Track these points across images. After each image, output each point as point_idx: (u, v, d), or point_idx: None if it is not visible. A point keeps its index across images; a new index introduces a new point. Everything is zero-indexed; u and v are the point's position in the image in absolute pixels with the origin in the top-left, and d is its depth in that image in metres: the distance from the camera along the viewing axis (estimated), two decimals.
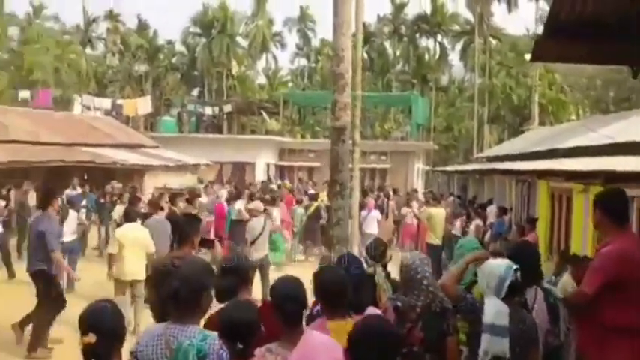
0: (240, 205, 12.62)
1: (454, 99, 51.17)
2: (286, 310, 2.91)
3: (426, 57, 53.57)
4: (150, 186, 19.18)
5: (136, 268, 7.93)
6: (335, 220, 4.89)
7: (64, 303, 7.53)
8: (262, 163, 30.59)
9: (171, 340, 2.85)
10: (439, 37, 53.39)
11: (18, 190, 13.91)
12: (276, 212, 12.88)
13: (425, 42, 54.35)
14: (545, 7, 34.53)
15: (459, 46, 51.79)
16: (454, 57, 53.37)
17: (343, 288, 3.29)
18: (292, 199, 16.40)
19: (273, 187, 19.11)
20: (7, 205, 12.19)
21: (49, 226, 7.49)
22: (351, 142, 5.33)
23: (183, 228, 4.67)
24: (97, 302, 2.67)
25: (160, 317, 3.38)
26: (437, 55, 53.39)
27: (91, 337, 2.44)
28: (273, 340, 3.05)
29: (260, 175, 28.86)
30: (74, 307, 8.31)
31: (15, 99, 36.75)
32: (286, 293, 3.00)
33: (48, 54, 54.05)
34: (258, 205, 10.35)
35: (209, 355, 2.78)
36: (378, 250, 4.65)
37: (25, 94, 33.55)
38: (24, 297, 9.91)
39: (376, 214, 14.75)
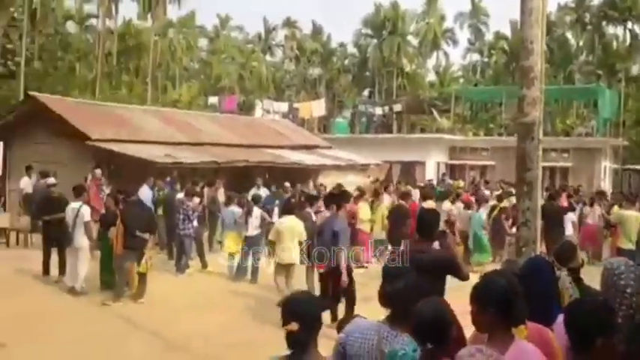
0: (447, 205, 12.75)
1: None
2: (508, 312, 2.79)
3: (614, 45, 49.07)
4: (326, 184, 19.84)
5: (291, 254, 9.08)
6: (522, 221, 4.66)
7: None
8: (432, 162, 30.19)
9: (384, 344, 2.92)
10: (629, 24, 48.58)
11: (209, 187, 15.20)
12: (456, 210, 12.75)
13: (612, 30, 49.84)
14: None
15: None
16: None
17: (510, 297, 3.05)
18: (469, 197, 15.89)
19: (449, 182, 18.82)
20: (200, 202, 13.38)
21: (342, 225, 8.34)
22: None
23: (429, 222, 4.70)
24: (295, 292, 2.83)
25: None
26: (626, 43, 48.66)
27: (293, 326, 2.57)
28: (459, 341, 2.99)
29: (430, 174, 28.50)
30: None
31: (205, 105, 40.39)
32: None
33: (233, 62, 58.48)
34: (433, 203, 10.26)
35: None
36: (565, 254, 4.33)
37: (213, 100, 36.73)
38: (216, 285, 10.89)
39: (571, 215, 13.67)
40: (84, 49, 50.78)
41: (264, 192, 15.43)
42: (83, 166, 15.69)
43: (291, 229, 9.29)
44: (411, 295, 2.92)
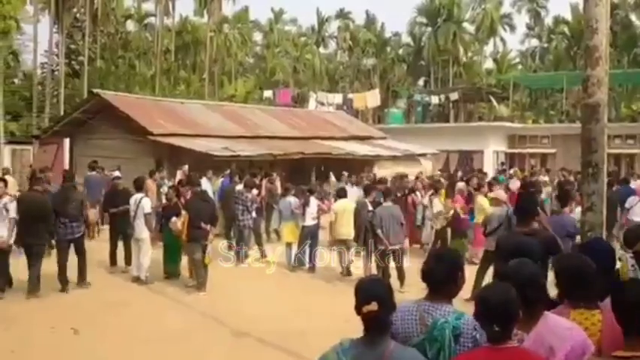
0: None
1: None
2: (527, 295, 2.79)
3: None
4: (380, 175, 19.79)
5: (346, 230, 10.72)
6: (588, 204, 4.54)
7: None
8: (490, 151, 29.57)
9: (426, 317, 2.96)
10: None
11: (267, 179, 15.41)
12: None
13: None
14: None
15: None
16: None
17: (585, 275, 3.06)
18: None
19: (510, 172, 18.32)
20: (259, 194, 13.59)
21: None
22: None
23: (527, 205, 4.72)
24: (369, 276, 2.87)
25: None
26: None
27: (374, 305, 2.59)
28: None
29: (489, 163, 27.93)
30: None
31: (260, 99, 40.89)
32: (527, 278, 2.89)
33: (287, 56, 58.86)
34: (500, 193, 10.06)
35: (463, 334, 2.84)
36: (633, 237, 4.21)
37: (268, 93, 37.12)
38: (274, 275, 11.07)
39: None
40: (143, 46, 52.30)
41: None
42: (145, 160, 16.22)
43: (345, 209, 10.83)
44: (446, 272, 3.01)
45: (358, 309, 2.64)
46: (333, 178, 18.23)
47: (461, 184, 14.18)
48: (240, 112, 22.33)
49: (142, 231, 10.28)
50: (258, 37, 65.88)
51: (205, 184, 14.43)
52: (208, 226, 9.75)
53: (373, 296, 2.62)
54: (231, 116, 21.07)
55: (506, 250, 3.63)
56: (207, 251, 9.61)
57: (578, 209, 9.46)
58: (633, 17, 49.48)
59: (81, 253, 9.75)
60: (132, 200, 10.49)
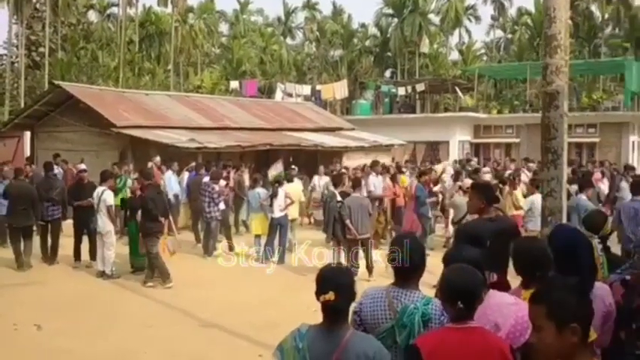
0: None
1: None
2: None
3: None
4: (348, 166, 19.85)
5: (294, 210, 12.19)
6: (547, 190, 4.64)
7: None
8: (456, 141, 29.93)
9: (395, 303, 3.01)
10: None
11: (235, 171, 15.32)
12: None
13: (638, 1, 48.47)
14: None
15: None
16: None
17: (537, 258, 3.18)
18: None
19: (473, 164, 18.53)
20: (227, 185, 13.50)
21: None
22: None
23: (486, 193, 4.81)
24: (332, 264, 2.89)
25: None
26: None
27: (331, 295, 2.62)
28: None
29: (454, 154, 28.27)
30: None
31: (227, 90, 40.54)
32: (467, 260, 2.98)
33: (254, 47, 58.38)
34: (467, 183, 10.21)
35: (432, 320, 2.91)
36: (597, 222, 4.33)
37: (234, 84, 36.77)
38: (243, 267, 11.03)
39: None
40: (106, 37, 51.30)
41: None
42: (109, 152, 15.95)
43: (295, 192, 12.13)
44: (413, 258, 3.09)
45: (317, 297, 2.67)
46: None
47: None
48: (206, 104, 22.08)
49: (106, 224, 10.13)
50: (224, 27, 65.30)
51: (171, 177, 14.32)
52: (163, 219, 9.62)
53: (332, 285, 2.64)
54: (198, 107, 20.82)
55: (460, 236, 3.76)
56: (165, 244, 9.48)
57: (537, 196, 9.88)
58: (594, 8, 50.54)
59: (56, 234, 11.07)
60: (95, 193, 10.32)
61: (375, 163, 14.63)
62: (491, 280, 3.38)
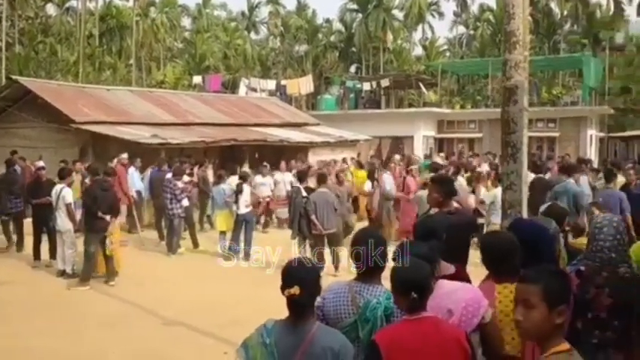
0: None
1: (632, 58, 46.31)
2: None
3: (598, 14, 49.06)
4: (314, 161, 19.86)
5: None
6: (507, 184, 4.73)
7: None
8: (420, 136, 30.20)
9: (358, 298, 3.03)
10: None
11: (199, 167, 15.15)
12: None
13: None
14: None
15: (636, 0, 46.70)
16: (631, 12, 48.28)
17: (506, 252, 3.24)
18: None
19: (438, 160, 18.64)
20: (191, 181, 13.36)
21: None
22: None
23: (446, 186, 4.88)
24: (298, 258, 2.88)
25: None
26: (610, 12, 48.67)
27: (296, 289, 2.62)
28: None
29: (419, 149, 28.55)
30: None
31: (190, 85, 40.06)
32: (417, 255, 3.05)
33: (217, 41, 57.75)
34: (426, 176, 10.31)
35: (395, 314, 2.96)
36: (557, 216, 4.43)
37: (198, 79, 36.34)
38: (208, 264, 10.94)
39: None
40: (65, 31, 50.09)
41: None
42: (69, 149, 15.61)
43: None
44: (376, 252, 3.11)
45: (282, 291, 2.67)
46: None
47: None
48: (169, 99, 21.78)
49: (65, 223, 9.91)
50: (186, 22, 64.49)
51: (134, 173, 14.08)
52: (108, 217, 9.44)
53: (296, 280, 2.65)
54: (161, 103, 20.53)
55: (417, 230, 3.87)
56: (107, 242, 9.31)
57: (498, 190, 10.08)
58: (553, 5, 51.64)
59: (19, 225, 11.82)
60: (53, 191, 10.08)
61: (388, 160, 13.96)
62: (449, 272, 3.43)
